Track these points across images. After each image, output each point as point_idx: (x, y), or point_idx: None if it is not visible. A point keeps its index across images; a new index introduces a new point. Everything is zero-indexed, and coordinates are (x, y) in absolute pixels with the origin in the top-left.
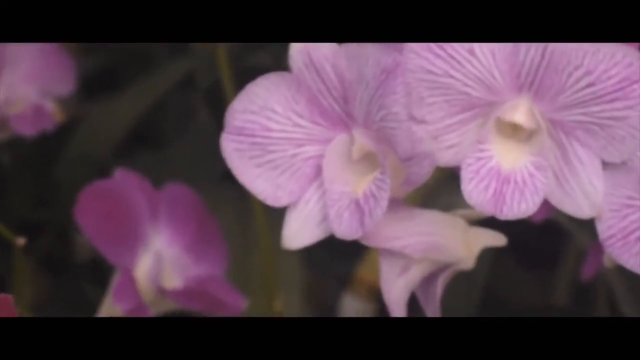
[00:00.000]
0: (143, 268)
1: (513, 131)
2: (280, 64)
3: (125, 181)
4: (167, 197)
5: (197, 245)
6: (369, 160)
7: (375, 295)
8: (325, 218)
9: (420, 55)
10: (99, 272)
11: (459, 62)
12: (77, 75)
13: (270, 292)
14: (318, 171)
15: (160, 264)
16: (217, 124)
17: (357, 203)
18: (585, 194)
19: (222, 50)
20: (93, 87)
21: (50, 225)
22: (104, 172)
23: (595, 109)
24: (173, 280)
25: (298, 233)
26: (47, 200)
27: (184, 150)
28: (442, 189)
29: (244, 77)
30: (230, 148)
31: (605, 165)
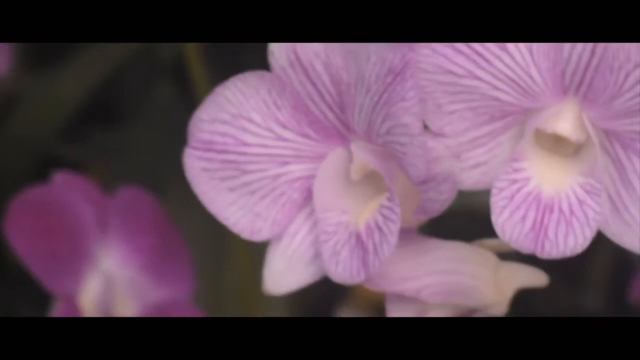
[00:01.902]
0: (89, 294)
1: (556, 145)
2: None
3: (66, 187)
4: (118, 205)
5: (157, 264)
6: (373, 182)
7: (375, 306)
8: (317, 256)
9: (437, 52)
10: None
11: (486, 60)
12: (15, 46)
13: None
14: (308, 196)
15: (111, 289)
16: (182, 101)
17: (358, 237)
18: None
19: None
20: (35, 57)
21: None
22: (46, 161)
23: None
24: (127, 308)
25: (283, 275)
26: None
27: (142, 132)
28: None
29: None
30: (196, 167)
31: None
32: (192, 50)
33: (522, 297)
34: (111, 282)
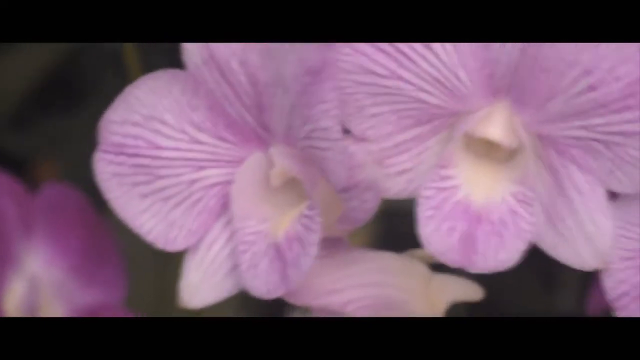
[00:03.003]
0: (13, 297)
1: (487, 151)
2: None
3: None
4: (43, 204)
5: (86, 265)
6: (294, 188)
7: None
8: (235, 267)
9: (358, 51)
10: None
11: (410, 59)
12: None
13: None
14: (225, 203)
15: (36, 291)
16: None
17: (277, 248)
18: (587, 236)
19: None
20: None
21: None
22: None
23: (597, 120)
24: (54, 311)
25: (199, 287)
26: None
27: (90, 121)
28: None
29: None
30: (107, 172)
31: (613, 196)
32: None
33: (494, 299)
34: (36, 284)
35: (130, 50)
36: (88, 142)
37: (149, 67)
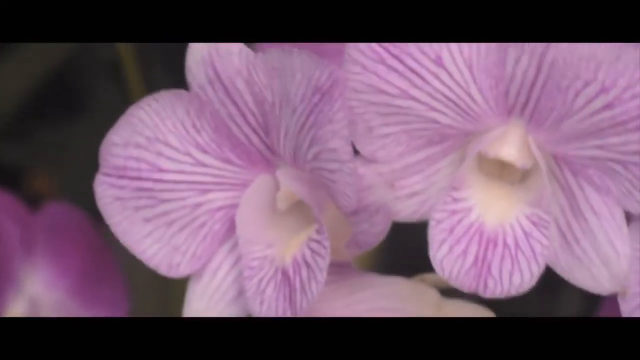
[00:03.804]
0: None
1: (500, 172)
2: None
3: None
4: (44, 223)
5: (87, 286)
6: (301, 212)
7: None
8: (240, 294)
9: (368, 69)
10: None
11: (422, 78)
12: None
13: None
14: (230, 227)
15: (36, 312)
16: (124, 101)
17: (284, 273)
18: (604, 259)
19: None
20: None
21: None
22: None
23: (614, 140)
24: None
25: (204, 315)
26: None
27: (85, 131)
28: None
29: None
30: (108, 196)
31: (631, 218)
32: (125, 51)
33: (496, 303)
34: (37, 306)
35: (128, 60)
36: (84, 154)
37: (147, 77)
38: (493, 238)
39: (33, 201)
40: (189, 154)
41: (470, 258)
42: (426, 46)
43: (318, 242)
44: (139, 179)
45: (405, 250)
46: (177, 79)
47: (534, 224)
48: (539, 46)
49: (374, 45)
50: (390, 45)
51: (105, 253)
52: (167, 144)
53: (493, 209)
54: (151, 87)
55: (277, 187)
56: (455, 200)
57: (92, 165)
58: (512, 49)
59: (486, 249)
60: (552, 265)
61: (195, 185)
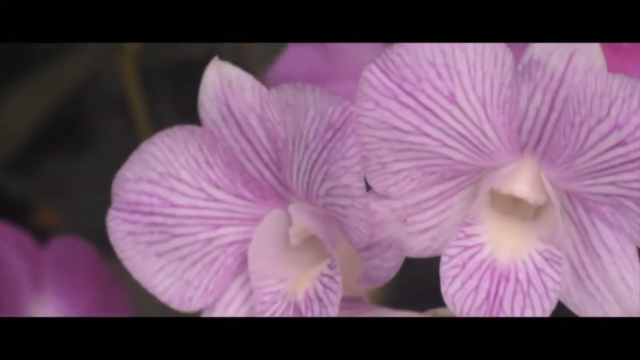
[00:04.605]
0: None
1: (513, 208)
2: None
3: None
4: (53, 258)
5: None
6: (313, 247)
7: None
8: None
9: (381, 106)
10: None
11: (435, 114)
12: None
13: None
14: (243, 262)
15: None
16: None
17: (296, 308)
18: (616, 296)
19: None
20: None
21: None
22: None
23: (627, 177)
24: None
25: None
26: None
27: (93, 165)
28: None
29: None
30: (121, 231)
31: None
32: (131, 85)
33: None
34: None
35: (134, 94)
36: (91, 187)
37: (153, 111)
38: (505, 274)
39: (40, 235)
40: (201, 189)
41: (482, 294)
42: (439, 83)
43: (330, 277)
44: (152, 214)
45: (416, 282)
46: (183, 113)
47: (546, 260)
48: (552, 83)
49: (387, 81)
50: (403, 82)
51: (115, 286)
52: (180, 180)
53: (505, 244)
54: (157, 121)
55: (289, 222)
56: (468, 236)
57: (98, 199)
58: (525, 86)
59: (498, 285)
60: (564, 301)
61: (208, 220)
